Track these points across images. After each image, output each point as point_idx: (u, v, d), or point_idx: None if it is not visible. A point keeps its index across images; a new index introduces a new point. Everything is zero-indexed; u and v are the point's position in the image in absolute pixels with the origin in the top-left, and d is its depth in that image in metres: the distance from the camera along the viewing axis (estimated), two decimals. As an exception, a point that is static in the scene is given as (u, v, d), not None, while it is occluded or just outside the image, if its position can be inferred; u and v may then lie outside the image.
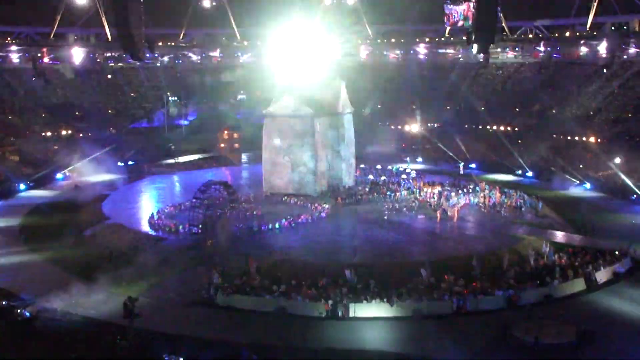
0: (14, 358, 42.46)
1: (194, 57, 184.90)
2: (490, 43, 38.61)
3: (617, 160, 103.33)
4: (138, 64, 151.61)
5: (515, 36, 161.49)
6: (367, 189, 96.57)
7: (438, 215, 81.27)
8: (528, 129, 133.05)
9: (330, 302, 52.74)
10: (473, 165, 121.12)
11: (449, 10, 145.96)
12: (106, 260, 65.07)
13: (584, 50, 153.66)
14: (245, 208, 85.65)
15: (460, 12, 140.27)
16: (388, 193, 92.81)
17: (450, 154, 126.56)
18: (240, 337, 46.12)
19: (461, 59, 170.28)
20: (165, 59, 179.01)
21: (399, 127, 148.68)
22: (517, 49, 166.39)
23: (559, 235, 73.45)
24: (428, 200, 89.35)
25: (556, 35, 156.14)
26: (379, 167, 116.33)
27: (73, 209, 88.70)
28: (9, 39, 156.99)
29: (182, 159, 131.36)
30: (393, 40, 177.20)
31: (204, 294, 55.92)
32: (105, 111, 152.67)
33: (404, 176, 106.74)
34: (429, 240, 72.10)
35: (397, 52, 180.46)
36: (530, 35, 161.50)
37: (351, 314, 52.10)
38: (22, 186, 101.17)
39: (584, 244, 68.53)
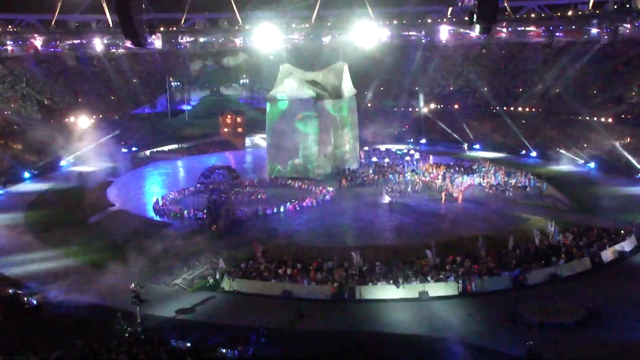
0: (22, 345, 42.60)
1: (196, 42, 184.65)
2: (492, 23, 38.39)
3: (622, 138, 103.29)
4: (140, 49, 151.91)
5: (518, 16, 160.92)
6: (371, 172, 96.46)
7: (443, 196, 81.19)
8: (531, 108, 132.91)
9: (336, 284, 52.88)
10: (477, 146, 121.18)
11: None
12: (112, 246, 65.34)
13: (586, 29, 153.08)
14: (250, 192, 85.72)
15: None
16: (391, 175, 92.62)
17: (454, 135, 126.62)
18: (247, 322, 46.19)
19: (464, 40, 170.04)
20: (167, 44, 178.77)
21: (402, 109, 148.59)
22: (519, 28, 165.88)
23: (564, 215, 73.36)
24: (432, 181, 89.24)
25: (558, 14, 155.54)
26: (383, 149, 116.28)
27: (77, 196, 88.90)
28: (9, 26, 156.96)
29: (186, 144, 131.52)
30: (395, 22, 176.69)
31: (210, 279, 56.06)
32: (108, 98, 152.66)
33: (407, 158, 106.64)
34: (434, 222, 71.87)
35: (399, 33, 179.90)
36: (533, 15, 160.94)
37: (357, 296, 52.24)
38: (26, 174, 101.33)
39: (589, 223, 68.41)
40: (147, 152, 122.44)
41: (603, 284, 53.90)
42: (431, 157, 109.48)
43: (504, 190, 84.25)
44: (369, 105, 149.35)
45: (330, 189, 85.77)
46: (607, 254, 59.41)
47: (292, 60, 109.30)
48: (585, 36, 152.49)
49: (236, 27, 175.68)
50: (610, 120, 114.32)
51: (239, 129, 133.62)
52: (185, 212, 75.01)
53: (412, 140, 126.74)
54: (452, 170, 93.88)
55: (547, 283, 53.94)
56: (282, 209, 76.78)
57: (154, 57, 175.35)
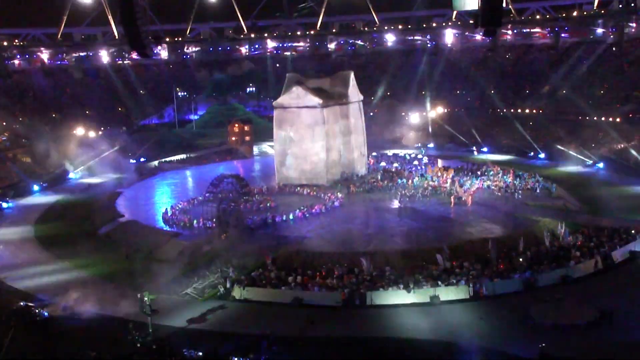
0: (33, 358, 42.64)
1: (202, 52, 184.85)
2: (497, 26, 38.39)
3: (630, 138, 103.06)
4: (146, 60, 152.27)
5: (523, 18, 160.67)
6: (379, 177, 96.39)
7: (452, 200, 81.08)
8: (538, 110, 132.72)
9: (346, 290, 52.80)
10: (485, 149, 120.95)
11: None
12: (122, 257, 65.51)
13: (592, 29, 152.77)
14: (259, 200, 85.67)
15: None
16: (400, 180, 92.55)
17: (462, 138, 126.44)
18: (258, 330, 46.14)
19: (469, 43, 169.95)
20: (173, 54, 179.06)
21: (410, 113, 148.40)
22: (525, 30, 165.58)
23: (574, 216, 73.12)
24: (441, 185, 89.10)
25: (564, 15, 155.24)
26: (390, 154, 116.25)
27: (87, 208, 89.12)
28: (16, 40, 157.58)
29: (194, 154, 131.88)
30: (400, 26, 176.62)
31: (220, 288, 56.04)
32: (116, 109, 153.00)
33: (416, 162, 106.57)
34: (444, 226, 71.87)
35: (404, 38, 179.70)
36: (538, 17, 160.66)
37: (368, 302, 52.14)
38: (35, 187, 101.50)
39: (599, 224, 68.13)
40: (156, 163, 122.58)
41: (615, 284, 53.68)
42: (439, 160, 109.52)
43: (513, 192, 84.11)
44: (376, 110, 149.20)
45: (339, 195, 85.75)
46: (618, 254, 59.18)
47: (298, 68, 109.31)
48: (591, 36, 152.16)
49: (242, 36, 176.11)
50: (618, 119, 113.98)
51: (247, 138, 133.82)
52: (195, 221, 75.12)
53: (420, 144, 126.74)
54: (460, 174, 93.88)
55: (558, 284, 53.72)
56: (291, 217, 76.75)
57: (161, 67, 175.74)
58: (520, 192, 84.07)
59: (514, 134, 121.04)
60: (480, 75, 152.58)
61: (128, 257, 65.79)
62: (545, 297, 49.65)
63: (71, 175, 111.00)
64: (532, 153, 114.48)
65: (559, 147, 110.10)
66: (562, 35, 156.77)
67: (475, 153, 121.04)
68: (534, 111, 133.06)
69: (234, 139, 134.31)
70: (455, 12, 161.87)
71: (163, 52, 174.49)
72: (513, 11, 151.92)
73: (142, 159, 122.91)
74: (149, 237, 71.66)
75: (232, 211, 70.28)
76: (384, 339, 45.69)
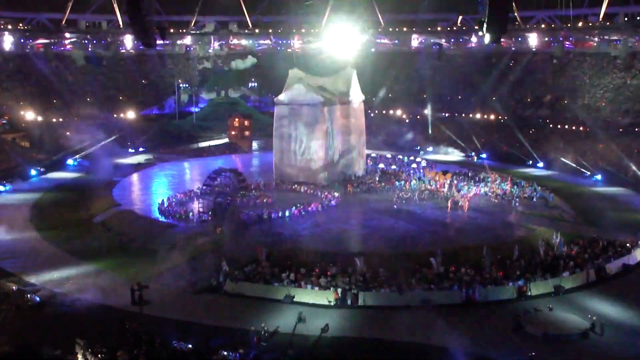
0: (24, 342, 42.55)
1: (205, 45, 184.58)
2: (502, 33, 38.30)
3: (629, 150, 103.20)
4: (149, 50, 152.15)
5: (528, 26, 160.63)
6: (377, 178, 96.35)
7: (449, 205, 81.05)
8: (540, 119, 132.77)
9: (339, 290, 52.75)
10: (484, 155, 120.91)
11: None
12: (116, 246, 65.45)
13: (596, 40, 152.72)
14: (255, 196, 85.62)
15: None
16: (397, 182, 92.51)
17: (461, 143, 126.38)
18: (249, 325, 46.08)
19: (473, 49, 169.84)
20: (176, 46, 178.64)
21: (410, 116, 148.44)
22: (529, 38, 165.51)
23: (570, 227, 73.14)
24: (439, 189, 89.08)
25: (569, 25, 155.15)
26: (389, 155, 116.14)
27: (84, 195, 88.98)
28: (20, 25, 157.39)
29: (194, 145, 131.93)
30: (405, 29, 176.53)
31: (213, 281, 55.96)
32: (117, 98, 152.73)
33: (414, 165, 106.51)
34: (439, 230, 71.74)
35: (410, 41, 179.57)
36: (543, 25, 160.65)
37: (360, 303, 52.09)
38: (33, 172, 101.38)
39: (594, 236, 68.10)
40: (153, 155, 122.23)
41: (607, 296, 53.63)
42: (437, 165, 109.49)
43: (510, 200, 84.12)
44: (377, 111, 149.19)
45: (336, 194, 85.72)
46: (612, 267, 59.18)
47: (301, 65, 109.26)
48: (595, 47, 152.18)
49: (246, 31, 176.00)
50: (617, 132, 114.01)
51: (246, 132, 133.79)
52: (190, 213, 75.12)
53: (419, 147, 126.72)
54: (458, 179, 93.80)
55: (551, 294, 53.72)
56: (287, 213, 76.69)
57: (163, 58, 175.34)
58: (517, 199, 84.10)
59: (514, 142, 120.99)
60: (482, 81, 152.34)
61: (122, 246, 65.79)
62: (537, 306, 49.75)
63: (69, 161, 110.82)
64: (530, 161, 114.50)
65: (558, 156, 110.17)
66: (566, 45, 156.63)
67: (474, 159, 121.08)
68: (535, 119, 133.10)
69: (233, 133, 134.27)
70: (460, 17, 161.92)
71: (167, 43, 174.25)
72: (518, 19, 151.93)
73: (140, 149, 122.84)
74: (144, 227, 71.66)
75: (228, 205, 70.20)
76: (374, 339, 45.65)
